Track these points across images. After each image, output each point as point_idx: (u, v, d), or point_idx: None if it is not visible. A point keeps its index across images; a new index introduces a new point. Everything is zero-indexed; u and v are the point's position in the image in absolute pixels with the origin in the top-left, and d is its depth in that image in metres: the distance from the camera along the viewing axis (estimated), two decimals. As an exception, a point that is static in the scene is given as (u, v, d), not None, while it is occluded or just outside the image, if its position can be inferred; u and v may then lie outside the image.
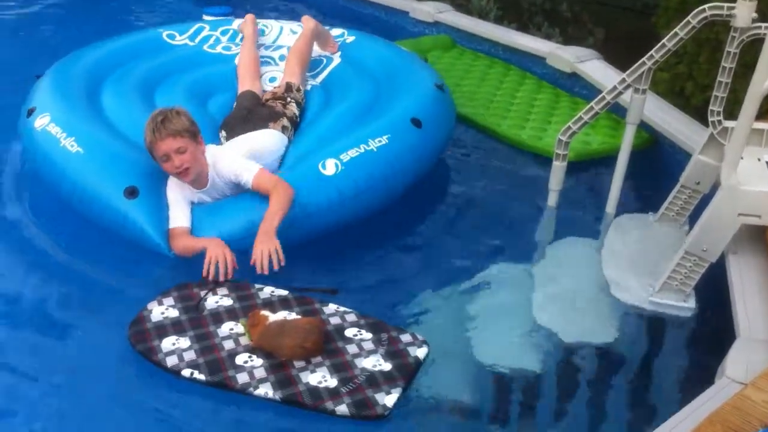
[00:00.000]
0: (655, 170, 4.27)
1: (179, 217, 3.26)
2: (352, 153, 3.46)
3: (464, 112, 4.75)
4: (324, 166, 3.38)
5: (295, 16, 5.22)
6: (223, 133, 3.83)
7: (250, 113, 3.90)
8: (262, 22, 4.87)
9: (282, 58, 4.58)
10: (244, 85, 4.23)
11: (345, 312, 3.02)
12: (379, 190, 3.49)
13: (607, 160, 4.11)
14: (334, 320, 2.98)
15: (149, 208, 3.25)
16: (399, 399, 2.65)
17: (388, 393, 2.65)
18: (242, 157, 3.36)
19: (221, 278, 3.08)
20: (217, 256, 3.10)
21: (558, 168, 3.77)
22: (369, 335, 2.91)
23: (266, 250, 3.03)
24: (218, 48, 4.68)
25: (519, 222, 3.84)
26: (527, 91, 5.17)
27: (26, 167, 3.94)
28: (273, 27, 4.88)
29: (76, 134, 3.50)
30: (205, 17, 5.29)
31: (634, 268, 3.29)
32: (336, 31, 4.83)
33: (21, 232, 3.52)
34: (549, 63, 5.39)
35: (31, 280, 3.24)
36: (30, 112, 3.74)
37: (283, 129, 3.80)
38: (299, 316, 2.95)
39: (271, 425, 2.60)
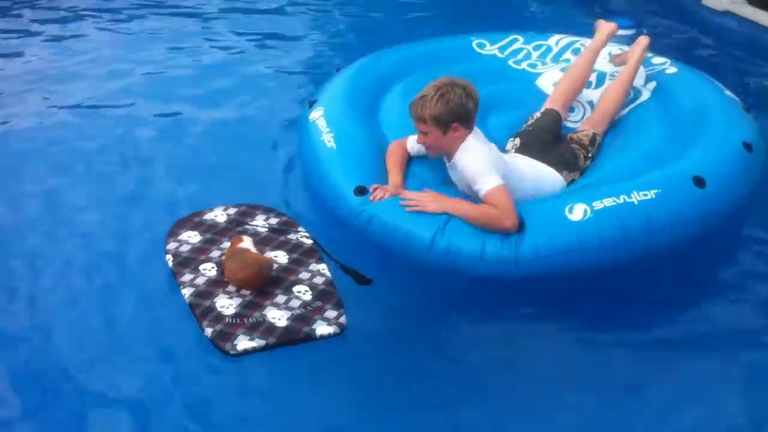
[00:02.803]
0: None
1: (411, 137, 3.46)
2: (608, 202, 3.19)
3: None
4: (571, 211, 3.17)
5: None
6: (516, 142, 3.71)
7: (554, 144, 3.70)
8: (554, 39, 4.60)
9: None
10: (555, 102, 3.93)
11: (321, 274, 3.19)
12: (630, 245, 3.19)
13: None
14: (303, 275, 3.18)
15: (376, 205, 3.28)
16: (254, 350, 2.83)
17: (251, 340, 2.85)
18: (491, 166, 3.19)
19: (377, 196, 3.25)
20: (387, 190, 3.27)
21: None
22: (308, 298, 3.06)
23: (424, 202, 3.15)
24: (524, 64, 4.47)
25: None
26: None
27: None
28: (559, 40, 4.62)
29: (336, 131, 3.65)
30: None
31: None
32: (659, 60, 4.35)
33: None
34: None
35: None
36: (311, 104, 3.97)
37: (570, 183, 3.57)
38: (284, 258, 3.25)
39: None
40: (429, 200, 3.17)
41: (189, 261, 3.25)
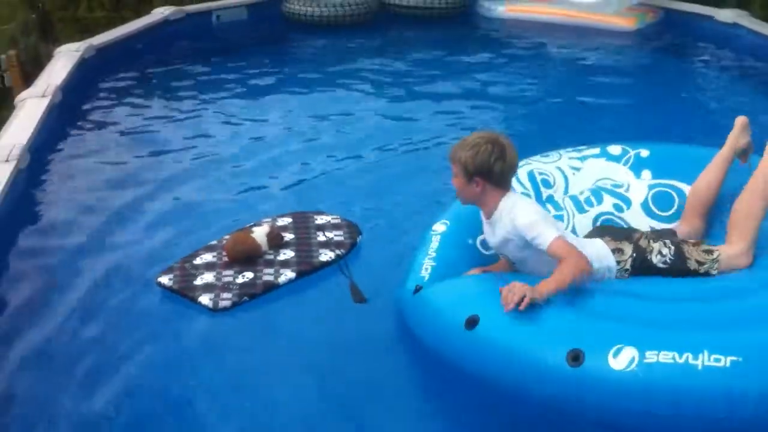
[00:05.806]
0: None
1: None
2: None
3: None
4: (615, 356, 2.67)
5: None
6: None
7: (628, 229, 3.50)
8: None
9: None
10: (683, 221, 3.56)
11: (277, 276, 3.59)
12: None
13: None
14: (268, 270, 3.64)
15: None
16: (162, 285, 3.57)
17: (169, 280, 3.57)
18: (543, 220, 3.09)
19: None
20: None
21: None
22: (240, 281, 3.54)
23: (522, 294, 2.83)
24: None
25: None
26: None
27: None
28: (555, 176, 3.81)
29: None
30: None
31: None
32: None
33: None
34: None
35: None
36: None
37: (617, 251, 3.25)
38: (284, 257, 3.75)
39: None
40: (526, 291, 2.84)
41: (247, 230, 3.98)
